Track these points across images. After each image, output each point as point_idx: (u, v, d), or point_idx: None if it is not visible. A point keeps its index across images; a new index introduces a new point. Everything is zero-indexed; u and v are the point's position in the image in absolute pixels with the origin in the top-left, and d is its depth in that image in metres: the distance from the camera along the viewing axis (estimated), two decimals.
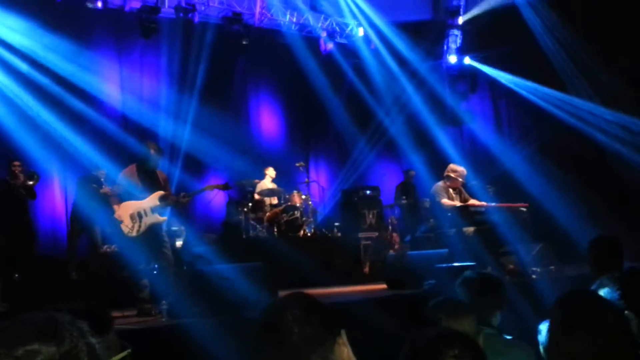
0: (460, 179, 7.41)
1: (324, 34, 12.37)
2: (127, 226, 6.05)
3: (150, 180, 6.30)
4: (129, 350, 1.93)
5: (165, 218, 6.62)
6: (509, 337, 2.95)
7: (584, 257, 8.58)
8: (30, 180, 7.74)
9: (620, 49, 10.44)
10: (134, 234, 6.04)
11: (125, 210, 6.08)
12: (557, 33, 11.19)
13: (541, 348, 3.07)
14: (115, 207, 6.10)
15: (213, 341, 4.42)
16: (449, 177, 7.42)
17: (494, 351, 2.67)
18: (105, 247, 8.25)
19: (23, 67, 9.08)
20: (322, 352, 1.44)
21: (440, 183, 7.41)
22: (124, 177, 6.26)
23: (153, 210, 6.14)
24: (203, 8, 10.95)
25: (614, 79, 10.63)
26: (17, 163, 7.85)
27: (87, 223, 8.14)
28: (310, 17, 12.12)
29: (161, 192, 6.27)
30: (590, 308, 1.83)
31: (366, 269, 9.39)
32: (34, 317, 1.09)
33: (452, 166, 7.53)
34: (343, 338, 1.49)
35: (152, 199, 6.17)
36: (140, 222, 6.05)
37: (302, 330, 1.44)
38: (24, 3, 9.07)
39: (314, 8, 12.01)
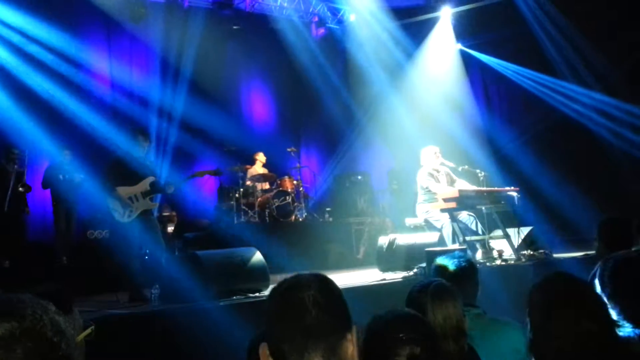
0: (438, 158, 7.45)
1: (315, 19, 12.31)
2: (118, 212, 6.06)
3: (140, 166, 6.29)
4: (92, 328, 1.96)
5: (156, 204, 6.62)
6: (496, 317, 2.98)
7: (573, 241, 8.69)
8: (22, 188, 7.79)
9: (613, 35, 10.47)
10: (126, 219, 6.04)
11: (113, 197, 6.08)
12: (549, 18, 11.19)
13: (529, 329, 3.10)
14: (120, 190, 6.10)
15: (203, 327, 4.43)
16: (427, 160, 7.46)
17: (483, 330, 2.70)
18: (97, 232, 8.25)
19: (15, 51, 8.99)
20: (330, 342, 1.42)
21: (424, 169, 7.44)
22: (115, 163, 6.24)
23: (144, 195, 6.14)
24: None
25: (606, 64, 10.68)
26: (16, 151, 7.91)
27: (69, 206, 8.26)
28: (301, 2, 12.04)
29: (152, 178, 6.27)
30: (569, 289, 1.86)
31: (360, 255, 9.45)
32: None
33: (423, 150, 7.57)
34: (352, 335, 1.49)
35: (143, 185, 6.17)
36: (131, 207, 6.05)
37: (318, 314, 1.42)
38: None
39: None
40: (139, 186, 6.14)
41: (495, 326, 2.81)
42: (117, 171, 6.15)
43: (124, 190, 6.09)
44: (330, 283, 1.54)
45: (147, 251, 6.18)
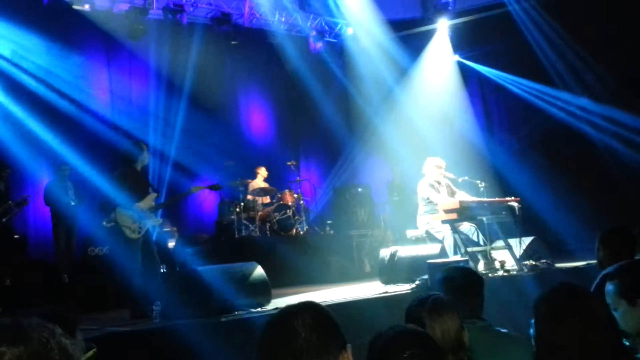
0: (441, 170, 7.43)
1: (313, 33, 12.37)
2: (129, 228, 6.00)
3: (142, 181, 6.30)
4: (94, 350, 1.95)
5: (161, 220, 6.64)
6: (503, 330, 2.95)
7: (575, 250, 8.66)
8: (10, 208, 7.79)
9: (611, 43, 10.53)
10: (136, 235, 6.00)
11: (121, 212, 6.04)
12: (545, 29, 11.26)
13: (533, 341, 3.08)
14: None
15: (206, 343, 4.40)
16: (429, 171, 7.45)
17: (489, 344, 2.67)
18: (98, 249, 8.23)
19: (13, 68, 9.03)
20: None
21: (425, 180, 7.42)
22: (120, 179, 6.21)
23: (150, 211, 6.16)
24: (191, 9, 10.92)
25: (603, 73, 10.73)
26: (8, 170, 7.95)
27: (69, 223, 8.31)
28: (299, 17, 12.11)
29: (155, 194, 6.29)
30: (574, 300, 1.85)
31: (367, 268, 9.44)
32: (1, 322, 1.12)
33: (428, 160, 7.55)
34: (348, 352, 1.50)
35: (148, 201, 6.17)
36: (139, 222, 6.02)
37: (308, 336, 1.45)
38: (10, 6, 8.99)
39: (303, 7, 12.01)
40: (145, 202, 6.14)
41: (500, 340, 2.76)
42: (127, 186, 6.12)
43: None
44: (318, 307, 1.58)
45: (152, 267, 6.17)
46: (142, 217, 6.02)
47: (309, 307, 1.55)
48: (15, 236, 8.20)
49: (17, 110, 8.83)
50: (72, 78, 9.61)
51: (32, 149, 8.74)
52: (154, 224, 6.21)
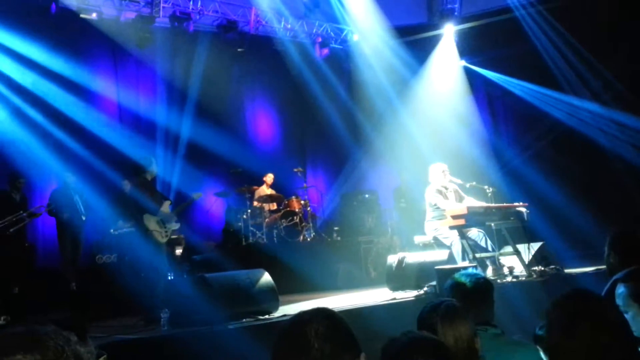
0: (446, 175, 7.42)
1: (319, 40, 12.41)
2: (158, 232, 6.18)
3: (153, 189, 6.40)
4: (105, 356, 1.96)
5: (179, 224, 6.76)
6: (516, 337, 2.93)
7: (584, 255, 8.61)
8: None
9: (615, 47, 10.51)
10: (164, 239, 6.22)
11: (149, 218, 6.16)
12: (552, 34, 11.24)
13: (541, 348, 3.05)
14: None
15: (213, 350, 4.40)
16: (435, 178, 7.43)
17: (500, 351, 2.65)
18: (105, 256, 8.25)
19: (22, 79, 9.09)
20: None
21: (432, 185, 7.40)
22: (136, 188, 6.30)
23: (168, 217, 6.31)
24: (198, 17, 10.97)
25: (610, 78, 10.70)
26: (22, 180, 8.01)
27: (75, 231, 8.34)
28: (304, 24, 12.15)
29: (169, 202, 6.40)
30: (587, 306, 1.83)
31: (372, 274, 9.41)
32: (17, 329, 1.12)
33: (431, 167, 7.53)
34: None
35: (166, 208, 6.32)
36: (165, 227, 6.22)
37: (321, 346, 1.44)
38: (18, 16, 9.07)
39: (309, 14, 12.04)
40: (164, 208, 6.32)
41: (512, 348, 2.74)
42: (145, 194, 6.23)
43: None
44: (332, 314, 1.56)
45: (168, 273, 6.30)
46: (166, 221, 6.21)
47: (322, 315, 1.54)
48: (26, 244, 8.23)
49: (27, 120, 8.90)
50: (80, 86, 9.66)
51: (43, 159, 8.79)
52: (175, 228, 6.39)
